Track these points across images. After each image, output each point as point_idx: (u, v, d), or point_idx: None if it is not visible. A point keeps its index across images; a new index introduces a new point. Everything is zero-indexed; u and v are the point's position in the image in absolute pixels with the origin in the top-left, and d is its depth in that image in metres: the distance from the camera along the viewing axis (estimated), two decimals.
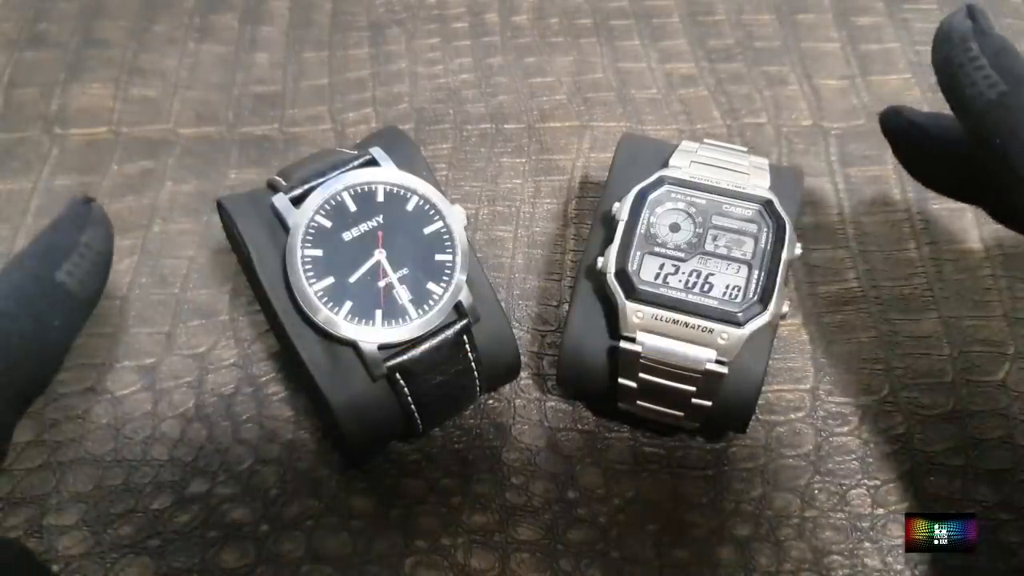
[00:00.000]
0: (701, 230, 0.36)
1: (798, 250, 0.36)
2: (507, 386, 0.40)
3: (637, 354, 0.34)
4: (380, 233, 0.34)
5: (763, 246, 0.35)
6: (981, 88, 0.29)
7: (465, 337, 0.34)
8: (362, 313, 0.33)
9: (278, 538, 0.36)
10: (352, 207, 0.34)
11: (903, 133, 0.34)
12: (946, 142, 0.33)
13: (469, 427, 0.39)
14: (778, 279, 0.34)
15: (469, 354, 0.35)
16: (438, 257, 0.35)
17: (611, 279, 0.35)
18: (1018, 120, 0.28)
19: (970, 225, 0.44)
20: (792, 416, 0.39)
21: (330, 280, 0.33)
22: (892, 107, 0.35)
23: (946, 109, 0.32)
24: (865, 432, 0.38)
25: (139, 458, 0.38)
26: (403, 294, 0.34)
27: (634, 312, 0.34)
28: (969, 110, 0.29)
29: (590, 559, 0.36)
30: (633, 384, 0.35)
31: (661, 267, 0.35)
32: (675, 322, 0.34)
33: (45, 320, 0.27)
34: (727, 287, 0.35)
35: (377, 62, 0.52)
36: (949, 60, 0.30)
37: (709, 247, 0.36)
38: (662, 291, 0.34)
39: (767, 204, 0.36)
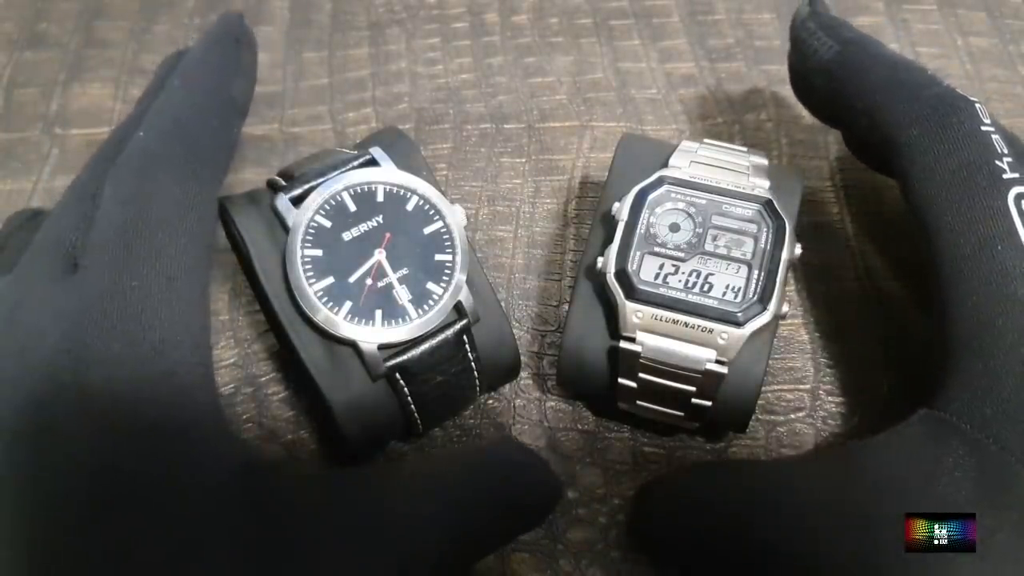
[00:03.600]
0: (701, 230, 0.36)
1: (798, 250, 0.36)
2: (507, 386, 0.40)
3: (637, 354, 0.34)
4: (381, 233, 0.34)
5: (763, 246, 0.35)
6: (820, 51, 0.37)
7: (465, 337, 0.34)
8: (362, 313, 0.33)
9: None
10: (352, 207, 0.34)
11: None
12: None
13: (469, 427, 0.39)
14: (778, 279, 0.34)
15: (469, 354, 0.35)
16: (438, 257, 0.35)
17: (611, 279, 0.35)
18: (849, 70, 0.36)
19: None
20: (792, 416, 0.39)
21: (330, 280, 0.33)
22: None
23: None
24: (865, 432, 0.38)
25: None
26: (403, 294, 0.34)
27: (634, 312, 0.34)
28: (815, 71, 0.38)
29: (590, 559, 0.36)
30: (633, 384, 0.35)
31: (661, 267, 0.35)
32: (675, 322, 0.34)
33: (227, 125, 0.34)
34: (727, 287, 0.35)
35: (377, 62, 0.52)
36: (796, 37, 0.39)
37: (709, 247, 0.36)
38: (662, 291, 0.34)
39: (767, 204, 0.36)
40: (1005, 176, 0.32)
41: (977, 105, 0.34)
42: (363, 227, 0.34)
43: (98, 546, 0.25)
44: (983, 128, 0.33)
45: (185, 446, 0.27)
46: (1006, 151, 0.32)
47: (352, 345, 0.33)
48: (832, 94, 0.37)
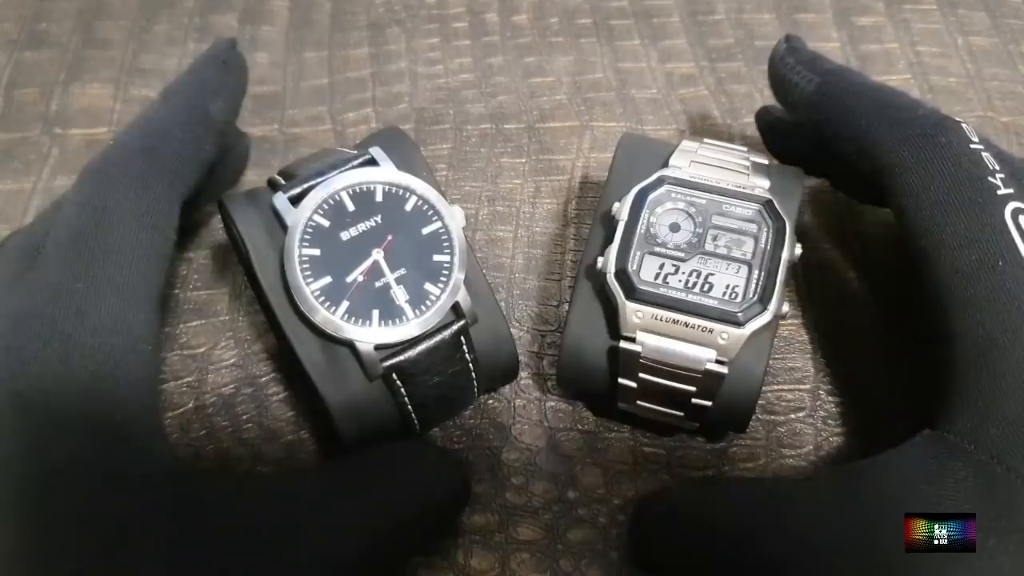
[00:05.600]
0: (701, 230, 0.36)
1: (798, 250, 0.36)
2: (507, 386, 0.39)
3: (637, 354, 0.34)
4: (379, 233, 0.34)
5: (763, 246, 0.35)
6: (802, 84, 0.37)
7: (463, 338, 0.34)
8: (359, 313, 0.33)
9: None
10: (350, 207, 0.34)
11: (771, 125, 0.42)
12: (798, 130, 0.41)
13: (469, 427, 0.39)
14: (778, 279, 0.34)
15: (467, 355, 0.35)
16: (436, 257, 0.35)
17: (611, 279, 0.35)
18: (833, 100, 0.36)
19: None
20: (792, 416, 0.39)
21: (327, 279, 0.33)
22: (762, 106, 0.43)
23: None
24: (865, 432, 0.38)
25: None
26: (400, 294, 0.34)
27: (634, 312, 0.34)
28: (799, 105, 0.38)
29: (590, 559, 0.35)
30: (633, 384, 0.35)
31: (661, 267, 0.35)
32: (675, 322, 0.34)
33: (197, 141, 0.34)
34: (727, 287, 0.35)
35: (377, 62, 0.52)
36: (777, 74, 0.39)
37: (709, 247, 0.35)
38: (662, 291, 0.34)
39: (767, 204, 0.36)
40: (999, 192, 0.31)
41: (964, 125, 0.34)
42: (361, 227, 0.34)
43: (26, 543, 0.26)
44: (972, 146, 0.33)
45: (116, 447, 0.28)
46: (997, 167, 0.32)
47: (349, 345, 0.33)
48: (817, 127, 0.37)
